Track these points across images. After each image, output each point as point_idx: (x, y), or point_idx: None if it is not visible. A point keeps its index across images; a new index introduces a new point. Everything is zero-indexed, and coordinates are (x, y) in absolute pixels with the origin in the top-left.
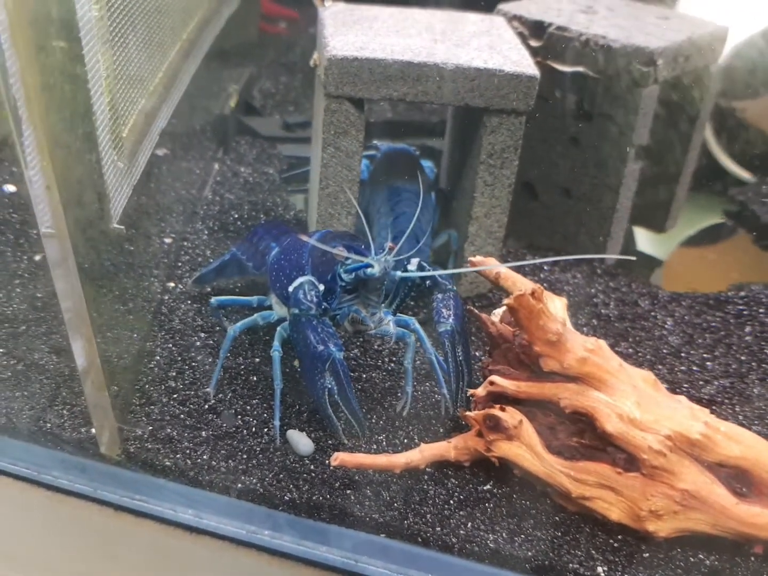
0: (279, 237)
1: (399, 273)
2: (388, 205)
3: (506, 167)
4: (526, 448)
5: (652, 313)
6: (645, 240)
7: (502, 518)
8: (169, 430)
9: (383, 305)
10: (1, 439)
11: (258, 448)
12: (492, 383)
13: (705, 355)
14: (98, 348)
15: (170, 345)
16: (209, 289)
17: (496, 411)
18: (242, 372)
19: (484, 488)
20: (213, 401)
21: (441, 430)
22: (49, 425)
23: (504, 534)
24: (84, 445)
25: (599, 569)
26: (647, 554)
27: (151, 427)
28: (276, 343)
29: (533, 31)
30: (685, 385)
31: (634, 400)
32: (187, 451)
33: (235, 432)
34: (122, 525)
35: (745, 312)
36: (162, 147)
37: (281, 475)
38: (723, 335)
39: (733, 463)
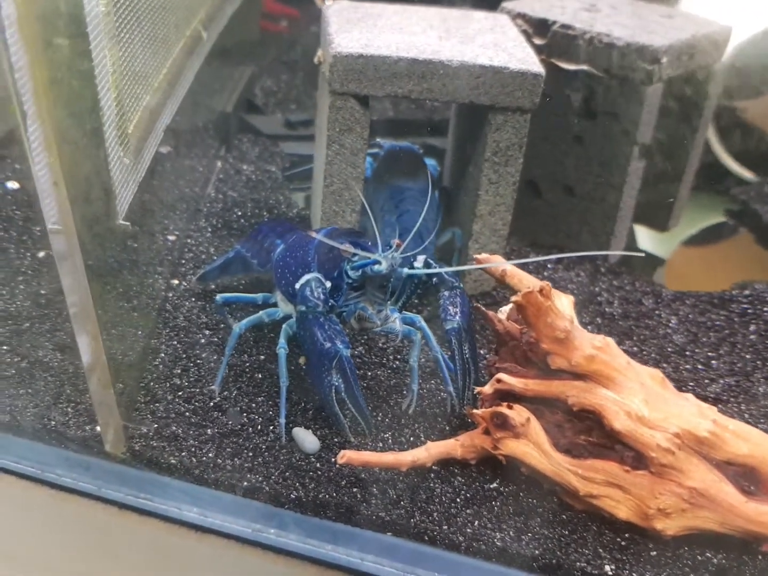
0: (284, 234)
1: (406, 270)
2: (392, 202)
3: (511, 165)
4: (534, 446)
5: (657, 312)
6: (646, 238)
7: (509, 516)
8: (174, 428)
9: (389, 302)
10: (4, 437)
11: (264, 446)
12: (499, 381)
13: (710, 354)
14: (103, 345)
15: (175, 342)
16: (213, 287)
17: (503, 409)
18: (247, 369)
19: (491, 486)
20: (218, 399)
21: (447, 428)
22: (53, 423)
23: (511, 532)
24: (88, 443)
25: (607, 567)
26: (655, 552)
27: (156, 425)
28: (282, 341)
29: (537, 29)
30: (691, 384)
31: (642, 398)
32: (193, 449)
33: (241, 430)
34: (126, 523)
35: (749, 310)
36: (165, 144)
37: (287, 473)
38: (727, 334)
39: (741, 461)
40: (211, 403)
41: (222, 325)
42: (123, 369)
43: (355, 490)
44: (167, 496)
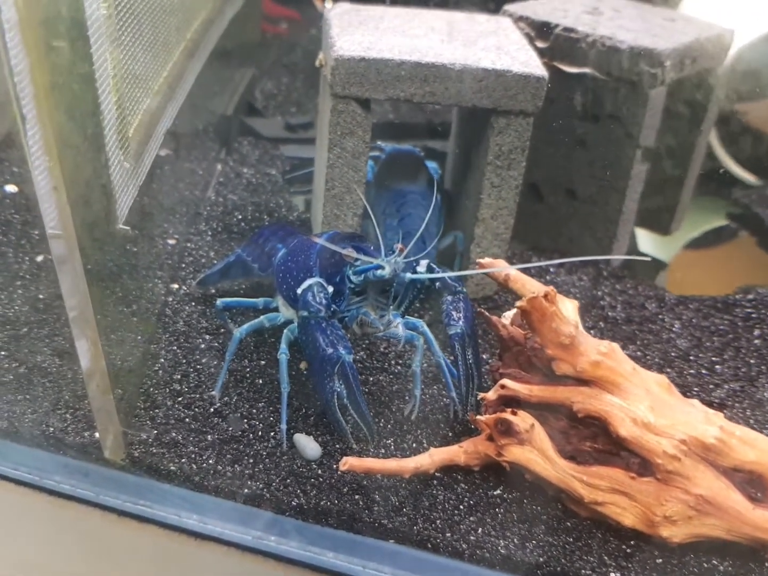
0: (285, 238)
1: (409, 274)
2: (394, 206)
3: (513, 168)
4: (538, 453)
5: (660, 316)
6: (647, 242)
7: (513, 524)
8: (174, 434)
9: (391, 307)
10: (2, 443)
11: (264, 453)
12: (503, 387)
13: (714, 359)
14: (103, 350)
15: (175, 347)
16: (213, 291)
17: (507, 415)
18: (248, 375)
19: (495, 493)
20: (218, 405)
21: (450, 434)
22: (51, 429)
23: (515, 540)
24: (87, 450)
25: (612, 575)
26: (660, 560)
27: (155, 431)
28: (283, 346)
29: (539, 32)
30: (695, 389)
31: (648, 404)
32: (193, 456)
33: (242, 436)
34: (125, 531)
35: (753, 315)
36: (164, 148)
37: (288, 480)
38: (731, 338)
39: (748, 468)
40: (212, 409)
41: (222, 330)
42: (122, 374)
43: (357, 497)
44: (167, 503)
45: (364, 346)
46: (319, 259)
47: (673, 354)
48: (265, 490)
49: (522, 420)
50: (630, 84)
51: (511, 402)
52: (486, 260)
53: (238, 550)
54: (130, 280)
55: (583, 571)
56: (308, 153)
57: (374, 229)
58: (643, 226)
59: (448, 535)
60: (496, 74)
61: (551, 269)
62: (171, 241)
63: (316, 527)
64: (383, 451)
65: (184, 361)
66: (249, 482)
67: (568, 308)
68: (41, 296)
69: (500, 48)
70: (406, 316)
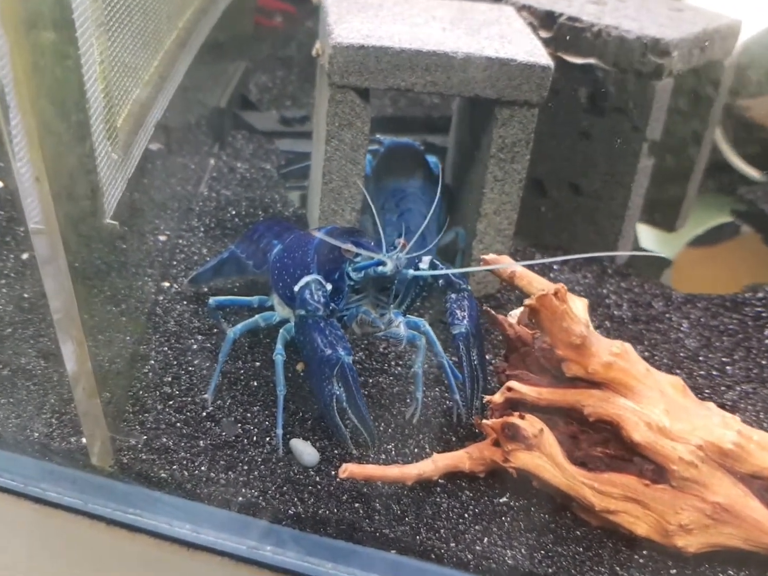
0: (281, 234)
1: (411, 271)
2: (393, 201)
3: (517, 162)
4: (547, 459)
5: (667, 315)
6: (649, 238)
7: (521, 533)
8: (164, 440)
9: (392, 306)
10: None
11: (259, 459)
12: (510, 389)
13: (724, 359)
14: (89, 352)
15: (165, 348)
16: (206, 289)
17: (515, 419)
18: (242, 377)
19: (501, 501)
20: (211, 408)
21: (453, 439)
22: (36, 434)
23: (523, 550)
24: (74, 456)
25: None
26: (675, 571)
27: (145, 437)
28: (279, 346)
29: (543, 21)
30: (707, 391)
31: (663, 408)
32: (184, 462)
33: (235, 441)
34: (115, 540)
35: (763, 314)
36: (156, 142)
37: (285, 488)
38: (741, 338)
39: (767, 475)
40: (204, 413)
41: (215, 330)
42: (110, 377)
43: (357, 505)
44: (158, 511)
45: (362, 346)
46: (317, 255)
47: (681, 354)
48: (260, 498)
49: (530, 424)
50: (637, 75)
51: (518, 405)
52: (490, 256)
53: (232, 560)
54: (119, 278)
55: None
56: (304, 147)
57: (372, 225)
58: (648, 222)
59: (453, 544)
60: (500, 63)
61: (555, 266)
62: (162, 238)
63: (314, 537)
64: (384, 456)
65: (175, 362)
66: (243, 490)
67: (578, 307)
68: (26, 295)
69: (504, 37)
70: (408, 315)
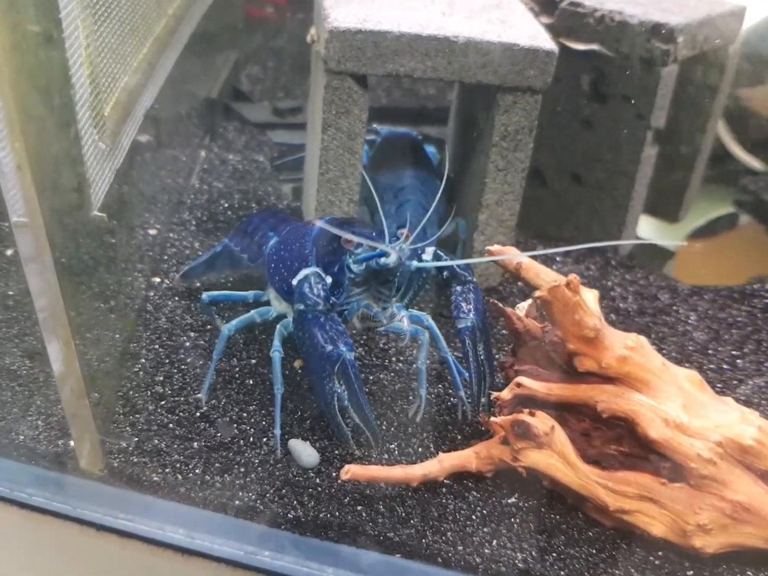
0: (277, 226)
1: (415, 263)
2: (391, 193)
3: (520, 150)
4: (558, 457)
5: (674, 308)
6: (651, 230)
7: (531, 535)
8: (156, 442)
9: (394, 299)
10: None
11: (256, 461)
12: (519, 385)
13: (734, 352)
14: (77, 351)
15: (157, 346)
16: (198, 284)
17: (525, 416)
18: (237, 375)
19: (509, 501)
20: (205, 408)
21: (459, 438)
22: (21, 437)
23: (533, 552)
24: (62, 460)
25: None
26: (692, 572)
27: (136, 439)
28: (276, 343)
29: (544, 6)
30: (719, 385)
31: (681, 403)
32: (178, 465)
33: (231, 442)
34: (106, 546)
35: None
36: (144, 133)
37: (283, 490)
38: (751, 331)
39: None
40: (198, 414)
41: (208, 327)
42: (99, 377)
43: (359, 507)
44: (150, 516)
45: (361, 341)
46: (316, 248)
47: (690, 348)
48: (258, 501)
49: (541, 422)
50: (640, 61)
51: (527, 402)
52: (495, 247)
53: (228, 566)
54: (107, 274)
55: None
56: (297, 139)
57: (370, 217)
58: (650, 213)
59: (460, 548)
60: (503, 48)
61: (557, 258)
62: (152, 231)
63: (314, 541)
64: (386, 456)
65: (167, 361)
66: (240, 493)
67: (589, 298)
68: (10, 293)
69: (505, 21)
70: (410, 309)
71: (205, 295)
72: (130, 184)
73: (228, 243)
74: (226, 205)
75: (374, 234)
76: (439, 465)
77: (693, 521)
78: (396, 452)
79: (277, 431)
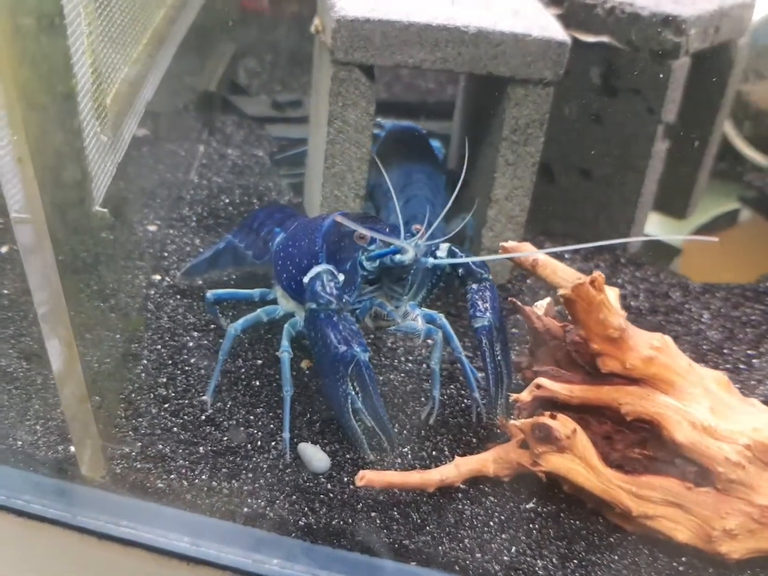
0: (284, 222)
1: (431, 260)
2: (397, 187)
3: (531, 144)
4: (580, 461)
5: (686, 306)
6: (658, 226)
7: (551, 541)
8: (160, 446)
9: (407, 297)
10: None
11: (265, 465)
12: (539, 387)
13: (750, 352)
14: (77, 352)
15: (159, 347)
16: (200, 282)
17: (546, 419)
18: (243, 376)
19: (528, 506)
20: (211, 411)
21: (474, 441)
22: (19, 443)
23: (554, 559)
24: (62, 466)
25: None
26: None
27: (140, 443)
28: (285, 343)
29: None
30: (737, 386)
31: (708, 405)
32: (183, 471)
33: (238, 447)
34: (108, 555)
35: None
36: (142, 127)
37: (294, 497)
38: (766, 329)
39: None
40: (203, 417)
41: (212, 326)
42: (100, 379)
43: (373, 514)
44: (154, 524)
45: (369, 340)
46: (326, 244)
47: (705, 347)
48: (267, 508)
49: (562, 425)
50: (651, 54)
51: (547, 404)
52: (510, 244)
53: (235, 575)
54: (107, 271)
55: None
56: (297, 133)
57: (377, 211)
58: (658, 209)
59: (478, 555)
60: (515, 38)
61: (566, 256)
62: (152, 228)
63: (326, 549)
64: (399, 460)
65: (170, 362)
66: (249, 500)
67: (611, 297)
68: (6, 291)
69: (517, 11)
70: (423, 308)
71: (209, 294)
72: (128, 179)
73: (232, 239)
74: (227, 200)
75: (388, 230)
76: (456, 470)
77: (719, 526)
78: (409, 456)
79: (286, 435)
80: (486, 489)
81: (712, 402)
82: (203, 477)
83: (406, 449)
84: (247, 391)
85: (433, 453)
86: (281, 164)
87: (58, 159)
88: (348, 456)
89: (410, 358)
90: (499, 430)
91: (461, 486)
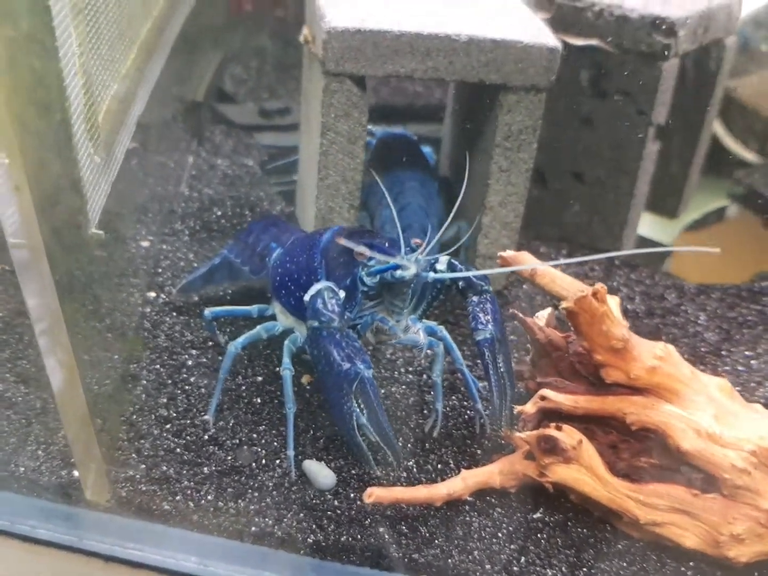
0: (280, 236)
1: (432, 274)
2: (391, 195)
3: (524, 150)
4: (587, 472)
5: (682, 307)
6: (650, 226)
7: (559, 550)
8: (164, 468)
9: (407, 311)
10: None
11: (270, 484)
12: (543, 398)
13: (747, 353)
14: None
15: (157, 366)
16: (196, 298)
17: (552, 431)
18: (244, 394)
19: (535, 516)
20: (213, 430)
21: (478, 452)
22: (22, 469)
23: (563, 568)
24: (66, 491)
25: None
26: None
27: (143, 466)
28: (286, 360)
29: (541, 1)
30: (737, 388)
31: (712, 413)
32: (189, 492)
33: (243, 466)
34: None
35: None
36: (131, 140)
37: (301, 514)
38: (762, 330)
39: None
40: (206, 436)
41: (210, 343)
42: (99, 401)
43: (381, 529)
44: (161, 545)
45: (367, 352)
46: (325, 260)
47: (703, 349)
48: (275, 526)
49: (568, 436)
50: (641, 56)
51: (552, 415)
52: (509, 254)
53: None
54: (101, 290)
55: None
56: (286, 141)
57: (371, 221)
58: (650, 209)
59: (488, 566)
60: (506, 46)
61: (561, 258)
62: (144, 243)
63: (336, 565)
64: (405, 474)
65: (170, 381)
66: (256, 518)
67: (612, 306)
68: (0, 314)
69: (507, 18)
70: (423, 320)
71: (207, 312)
72: (120, 194)
73: (227, 255)
74: (219, 213)
75: (387, 245)
76: (463, 483)
77: (727, 531)
78: (415, 470)
79: (291, 452)
80: (493, 500)
81: (716, 409)
82: (209, 497)
83: (411, 463)
84: (249, 409)
85: (439, 466)
86: (272, 173)
87: (54, 184)
88: (353, 471)
89: (410, 369)
90: (503, 441)
91: (468, 498)
